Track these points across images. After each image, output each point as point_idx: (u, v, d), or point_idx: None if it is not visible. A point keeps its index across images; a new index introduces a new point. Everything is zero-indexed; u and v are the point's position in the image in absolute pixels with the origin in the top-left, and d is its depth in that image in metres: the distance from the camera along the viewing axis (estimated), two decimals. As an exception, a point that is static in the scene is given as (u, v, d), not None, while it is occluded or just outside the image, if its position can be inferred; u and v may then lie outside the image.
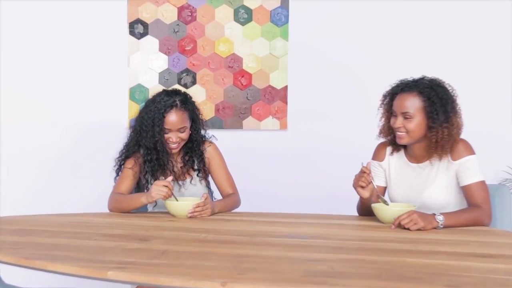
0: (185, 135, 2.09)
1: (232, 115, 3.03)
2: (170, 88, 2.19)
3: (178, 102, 2.06)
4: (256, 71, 3.02)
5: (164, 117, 2.03)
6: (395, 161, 2.03)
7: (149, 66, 3.00)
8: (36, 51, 2.97)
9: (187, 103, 2.09)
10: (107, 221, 1.91)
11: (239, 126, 3.03)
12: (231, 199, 2.17)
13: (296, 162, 3.04)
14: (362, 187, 1.87)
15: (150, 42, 3.00)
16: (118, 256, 1.42)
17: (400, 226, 1.75)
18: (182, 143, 2.12)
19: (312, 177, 3.00)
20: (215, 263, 1.34)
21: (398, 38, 3.00)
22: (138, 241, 1.57)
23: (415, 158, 1.98)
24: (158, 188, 1.93)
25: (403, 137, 1.89)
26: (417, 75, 1.96)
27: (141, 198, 1.99)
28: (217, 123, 3.02)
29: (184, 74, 3.01)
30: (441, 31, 2.99)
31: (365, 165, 1.89)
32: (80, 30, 2.98)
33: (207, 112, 2.97)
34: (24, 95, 2.97)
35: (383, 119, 2.00)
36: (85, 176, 2.97)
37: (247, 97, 3.02)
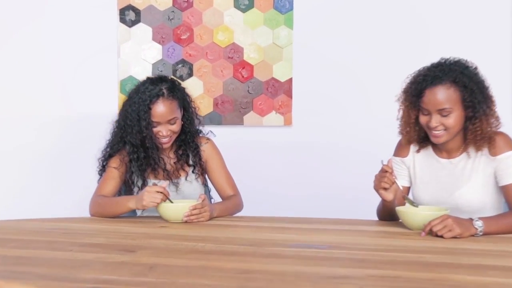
0: (176, 127, 1.85)
1: (232, 110, 2.83)
2: (155, 75, 1.94)
3: (164, 91, 1.82)
4: (258, 62, 2.82)
5: (150, 108, 1.79)
6: (421, 157, 1.78)
7: (141, 57, 2.81)
8: (17, 40, 2.78)
9: (175, 91, 1.85)
10: (87, 228, 1.65)
11: (240, 122, 2.83)
12: (232, 201, 1.92)
13: (301, 161, 2.83)
14: (385, 188, 1.61)
15: (143, 30, 2.80)
16: (96, 272, 1.16)
17: (431, 233, 1.50)
18: (174, 137, 1.87)
19: (320, 177, 2.79)
20: (216, 281, 1.09)
21: (408, 27, 2.79)
22: (122, 253, 1.31)
23: (446, 153, 1.73)
24: (151, 195, 1.67)
25: (441, 136, 1.64)
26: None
27: (129, 203, 1.74)
28: (216, 119, 2.81)
29: (180, 65, 2.81)
30: (446, 30, 2.78)
31: (385, 163, 1.64)
32: (65, 18, 2.78)
33: (205, 106, 2.78)
34: (4, 87, 2.78)
35: (404, 117, 1.72)
36: (69, 175, 2.77)
37: (248, 91, 2.82)
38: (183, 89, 1.92)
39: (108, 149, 1.91)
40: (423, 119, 1.66)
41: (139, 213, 1.94)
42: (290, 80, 2.81)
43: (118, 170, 1.86)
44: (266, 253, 1.33)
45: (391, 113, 2.67)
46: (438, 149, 1.74)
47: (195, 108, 1.96)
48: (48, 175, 2.79)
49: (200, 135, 1.99)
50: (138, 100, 1.80)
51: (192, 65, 2.80)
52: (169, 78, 1.91)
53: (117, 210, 1.76)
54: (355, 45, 2.78)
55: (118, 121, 1.90)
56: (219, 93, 2.81)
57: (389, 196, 1.63)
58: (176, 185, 1.90)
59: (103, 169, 1.91)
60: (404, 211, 1.61)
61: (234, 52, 2.80)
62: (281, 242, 1.45)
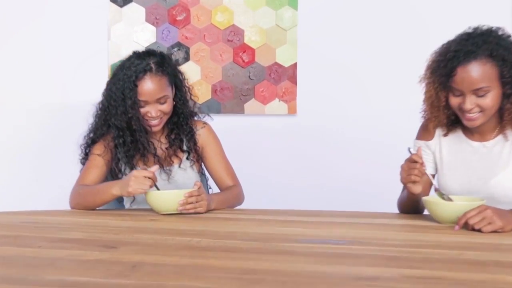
0: (167, 107, 1.63)
1: (232, 98, 2.65)
2: (142, 50, 1.72)
3: (152, 65, 1.61)
4: (260, 46, 2.64)
5: (136, 86, 1.58)
6: (449, 140, 1.56)
7: (133, 39, 2.63)
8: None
9: (164, 66, 1.64)
10: (65, 221, 1.43)
11: (240, 111, 2.65)
12: (232, 192, 1.70)
13: (307, 152, 2.64)
14: (415, 181, 1.39)
15: (135, 10, 2.62)
16: (65, 272, 0.93)
17: (466, 227, 1.28)
18: (165, 118, 1.66)
19: (326, 169, 2.60)
20: (213, 283, 0.87)
21: (417, 10, 2.60)
22: (100, 249, 1.09)
23: (479, 135, 1.51)
24: (138, 180, 1.46)
25: (476, 118, 1.42)
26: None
27: (112, 189, 1.52)
28: (215, 107, 2.63)
29: (175, 49, 2.64)
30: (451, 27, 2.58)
31: (414, 151, 1.41)
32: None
33: (202, 93, 2.60)
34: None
35: (431, 100, 1.48)
36: (53, 167, 2.59)
37: (249, 77, 2.65)
38: (175, 64, 1.71)
39: (91, 134, 1.69)
40: (454, 101, 1.44)
41: (127, 205, 1.72)
42: (295, 65, 2.63)
43: (102, 158, 1.64)
44: (275, 250, 1.10)
45: (404, 100, 2.51)
46: (469, 131, 1.52)
47: (189, 88, 1.74)
48: (32, 166, 2.62)
49: (196, 118, 1.77)
50: (123, 77, 1.59)
51: (188, 48, 2.63)
52: (158, 52, 1.69)
53: (100, 198, 1.55)
54: (366, 28, 2.59)
55: (101, 102, 1.68)
56: (218, 79, 2.64)
57: (417, 189, 1.41)
58: (168, 173, 1.68)
59: (86, 157, 1.69)
60: (434, 202, 1.39)
61: (234, 35, 2.63)
62: (291, 237, 1.23)
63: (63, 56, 2.61)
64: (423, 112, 1.55)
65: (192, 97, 1.76)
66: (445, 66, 1.42)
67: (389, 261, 1.02)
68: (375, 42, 2.58)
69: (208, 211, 1.53)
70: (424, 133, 1.59)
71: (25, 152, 2.62)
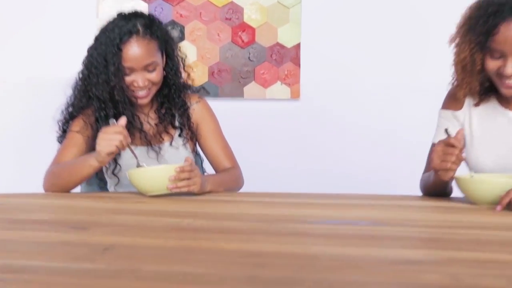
0: (156, 77, 1.42)
1: (231, 80, 2.49)
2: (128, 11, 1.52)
3: (140, 27, 1.41)
4: (261, 25, 2.50)
5: (120, 50, 1.37)
6: (481, 110, 1.35)
7: None
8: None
9: (153, 28, 1.43)
10: (33, 202, 1.22)
11: (239, 94, 2.49)
12: (230, 174, 1.50)
13: (310, 139, 2.50)
14: (450, 169, 1.19)
15: None
16: (15, 255, 0.72)
17: (509, 207, 1.08)
18: (154, 89, 1.45)
19: (331, 157, 2.45)
20: (205, 267, 0.66)
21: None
22: (67, 230, 0.88)
23: None
24: (107, 136, 1.27)
25: None
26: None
27: (90, 161, 1.32)
28: (212, 90, 2.47)
29: (169, 28, 2.49)
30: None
31: (453, 134, 1.21)
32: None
33: (198, 76, 2.44)
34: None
35: (464, 64, 1.28)
36: (32, 149, 2.43)
37: (249, 58, 2.49)
38: (166, 29, 1.50)
39: (69, 109, 1.48)
40: (492, 64, 1.23)
41: (111, 189, 1.51)
42: (298, 45, 2.48)
43: (81, 135, 1.43)
44: (284, 231, 0.89)
45: (413, 85, 2.36)
46: (505, 99, 1.32)
47: (182, 58, 1.54)
48: (16, 148, 2.49)
49: (189, 91, 1.57)
50: (105, 40, 1.38)
51: (183, 27, 2.47)
52: (147, 14, 1.49)
53: (77, 173, 1.33)
54: (376, 5, 2.43)
55: (81, 72, 1.48)
56: (215, 60, 2.48)
57: (450, 175, 1.20)
58: (158, 151, 1.46)
59: (63, 134, 1.49)
60: (471, 180, 1.18)
61: (232, 13, 2.48)
62: (302, 218, 1.02)
63: (49, 34, 2.45)
64: (451, 78, 1.35)
65: (186, 68, 1.55)
66: (484, 23, 1.21)
67: (429, 242, 0.82)
68: (386, 23, 2.42)
69: (202, 193, 1.32)
70: (452, 101, 1.38)
71: (6, 131, 2.49)
